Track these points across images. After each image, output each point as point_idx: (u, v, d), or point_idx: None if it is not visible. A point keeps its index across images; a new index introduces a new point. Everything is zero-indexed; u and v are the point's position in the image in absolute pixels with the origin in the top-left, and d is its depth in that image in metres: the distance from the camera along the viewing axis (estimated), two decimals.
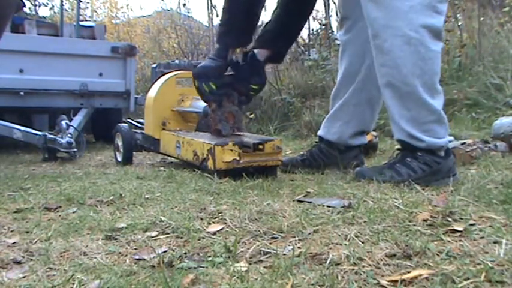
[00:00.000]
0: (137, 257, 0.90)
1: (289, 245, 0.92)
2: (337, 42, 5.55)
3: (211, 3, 7.24)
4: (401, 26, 1.48)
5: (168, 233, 1.04)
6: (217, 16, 6.94)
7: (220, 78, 1.86)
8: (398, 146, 1.66)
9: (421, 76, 1.49)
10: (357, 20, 1.82)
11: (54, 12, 8.75)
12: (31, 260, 0.91)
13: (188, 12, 11.58)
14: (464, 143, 2.04)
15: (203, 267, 0.83)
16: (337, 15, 5.88)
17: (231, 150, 1.74)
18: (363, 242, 0.91)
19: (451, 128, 1.79)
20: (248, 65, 1.87)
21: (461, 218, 1.04)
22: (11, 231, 1.12)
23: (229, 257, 0.87)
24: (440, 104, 1.54)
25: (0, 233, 1.10)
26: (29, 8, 7.65)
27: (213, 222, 1.11)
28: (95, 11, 11.72)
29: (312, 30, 6.15)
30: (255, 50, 1.87)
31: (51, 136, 2.87)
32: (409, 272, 0.75)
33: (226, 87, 1.89)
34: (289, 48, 2.11)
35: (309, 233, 0.99)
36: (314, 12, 6.37)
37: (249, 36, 1.87)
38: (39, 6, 8.38)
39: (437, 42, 1.51)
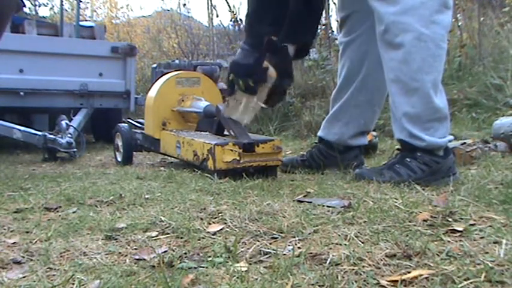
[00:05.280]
0: (137, 257, 0.90)
1: (289, 245, 0.92)
2: (338, 42, 5.55)
3: (211, 3, 7.25)
4: (413, 22, 1.48)
5: (168, 233, 1.04)
6: (217, 16, 6.96)
7: (261, 76, 1.71)
8: (398, 146, 1.66)
9: (430, 73, 1.49)
10: (356, 22, 1.82)
11: (54, 12, 8.75)
12: (31, 260, 0.91)
13: (188, 12, 11.59)
14: (464, 143, 2.04)
15: (203, 267, 0.83)
16: (337, 15, 5.87)
17: (231, 150, 1.74)
18: (363, 242, 0.91)
19: (451, 128, 1.79)
20: (281, 63, 1.73)
21: (461, 218, 1.04)
22: (11, 231, 1.12)
23: (229, 257, 0.87)
24: (443, 102, 1.54)
25: (0, 233, 1.10)
26: (29, 8, 7.65)
27: (213, 222, 1.11)
28: (95, 11, 11.73)
29: None
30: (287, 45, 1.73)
31: (51, 136, 2.87)
32: (409, 272, 0.75)
33: (260, 82, 1.74)
34: (314, 39, 2.01)
35: (309, 233, 0.99)
36: None
37: (279, 23, 1.72)
38: (39, 6, 8.38)
39: (445, 39, 1.52)
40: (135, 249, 0.95)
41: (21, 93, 3.42)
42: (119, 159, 2.60)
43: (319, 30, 6.09)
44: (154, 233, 1.05)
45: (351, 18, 1.85)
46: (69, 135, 2.90)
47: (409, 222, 1.02)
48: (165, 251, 0.93)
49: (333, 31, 5.61)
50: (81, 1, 5.15)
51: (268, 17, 1.72)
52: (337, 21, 2.04)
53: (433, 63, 1.50)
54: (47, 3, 8.79)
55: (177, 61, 5.47)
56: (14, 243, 1.02)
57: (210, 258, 0.87)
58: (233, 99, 1.82)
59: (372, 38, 1.63)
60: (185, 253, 0.90)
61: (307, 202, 1.28)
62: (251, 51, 1.74)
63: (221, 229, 1.05)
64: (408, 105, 1.53)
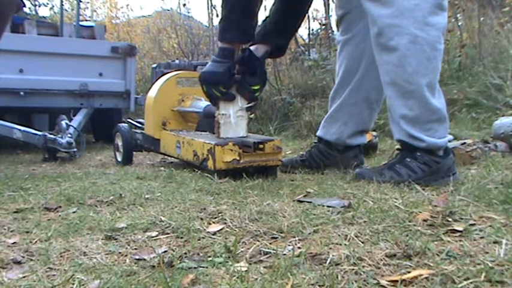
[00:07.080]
0: (137, 257, 0.90)
1: (289, 245, 0.92)
2: (336, 40, 5.55)
3: (211, 3, 7.25)
4: (407, 25, 1.47)
5: (168, 233, 1.04)
6: (217, 16, 6.95)
7: (229, 82, 1.78)
8: (398, 146, 1.66)
9: (426, 75, 1.49)
10: (353, 21, 1.82)
11: (54, 12, 8.77)
12: (31, 260, 0.91)
13: (188, 12, 11.58)
14: (464, 143, 2.04)
15: (203, 267, 0.83)
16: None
17: (231, 150, 1.74)
18: (363, 242, 0.91)
19: (451, 128, 1.79)
20: (244, 65, 1.79)
21: (461, 218, 1.04)
22: (11, 231, 1.12)
23: (229, 257, 0.87)
24: (441, 102, 1.54)
25: (0, 233, 1.10)
26: (29, 8, 7.66)
27: (213, 222, 1.11)
28: (95, 11, 11.72)
29: (312, 30, 6.16)
30: (252, 47, 1.81)
31: (51, 136, 2.88)
32: (409, 272, 0.75)
33: (236, 87, 1.81)
34: (289, 41, 2.06)
35: (309, 233, 0.99)
36: (314, 12, 6.38)
37: (250, 31, 1.78)
38: (39, 6, 8.39)
39: (441, 40, 1.51)
40: (135, 249, 0.95)
41: (21, 93, 3.42)
42: (119, 159, 2.60)
43: (319, 30, 6.10)
44: (154, 233, 1.05)
45: (348, 16, 1.85)
46: (69, 135, 2.90)
47: (409, 222, 1.02)
48: (165, 251, 0.93)
49: (332, 31, 5.62)
50: (81, 1, 5.15)
51: (238, 23, 1.74)
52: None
53: (429, 66, 1.49)
54: (47, 3, 8.81)
55: (177, 61, 5.47)
56: (14, 243, 1.02)
57: (210, 258, 0.87)
58: (221, 116, 1.84)
59: (369, 36, 1.63)
60: (185, 253, 0.90)
61: (307, 202, 1.28)
62: (221, 61, 1.77)
63: (221, 229, 1.05)
64: (405, 108, 1.53)
